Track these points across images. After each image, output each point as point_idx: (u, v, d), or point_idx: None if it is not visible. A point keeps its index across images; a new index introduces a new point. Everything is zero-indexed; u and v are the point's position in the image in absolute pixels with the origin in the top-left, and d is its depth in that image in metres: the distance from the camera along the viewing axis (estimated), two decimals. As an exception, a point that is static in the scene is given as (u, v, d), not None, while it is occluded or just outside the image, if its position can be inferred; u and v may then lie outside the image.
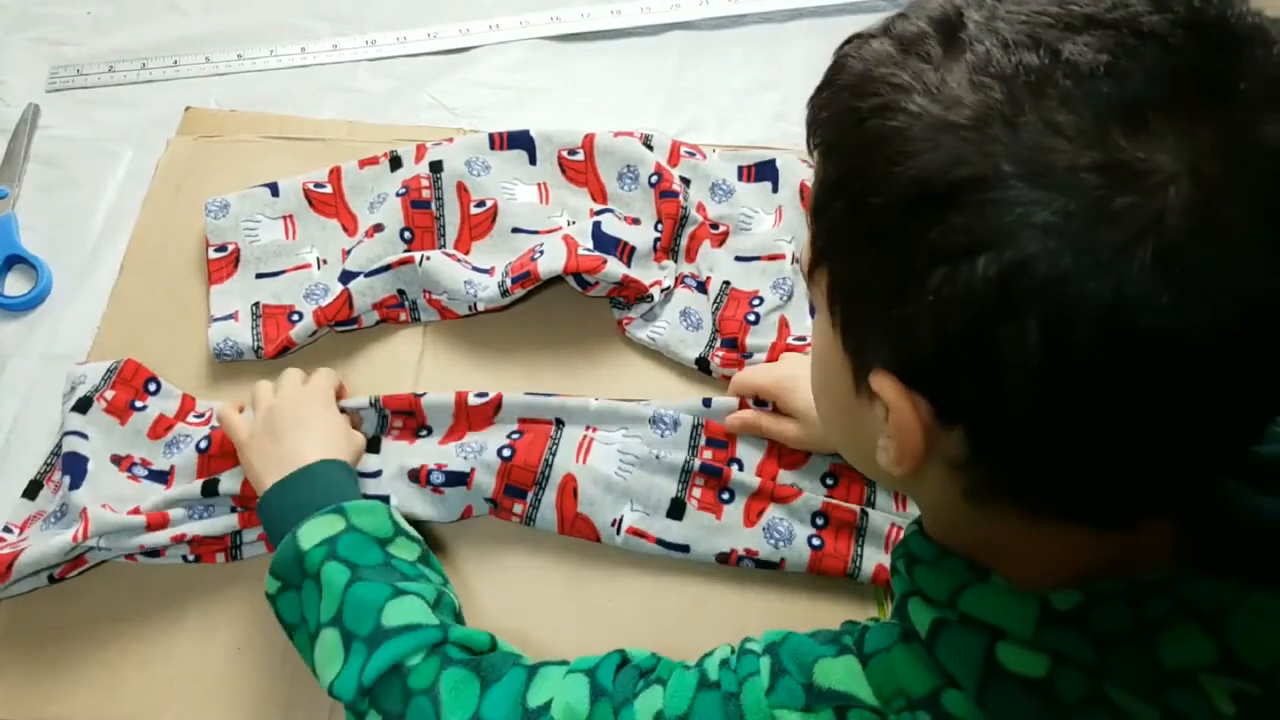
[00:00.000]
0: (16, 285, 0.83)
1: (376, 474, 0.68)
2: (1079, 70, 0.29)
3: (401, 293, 0.78)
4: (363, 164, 0.85)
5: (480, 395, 0.71)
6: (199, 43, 0.99)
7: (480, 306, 0.76)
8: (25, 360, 0.78)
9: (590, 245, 0.76)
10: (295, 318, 0.77)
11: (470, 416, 0.71)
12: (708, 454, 0.70)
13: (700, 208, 0.83)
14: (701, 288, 0.80)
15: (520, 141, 0.85)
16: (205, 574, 0.67)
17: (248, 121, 0.91)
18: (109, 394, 0.71)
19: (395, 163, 0.85)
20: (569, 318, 0.79)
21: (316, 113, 0.93)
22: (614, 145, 0.83)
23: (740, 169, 0.86)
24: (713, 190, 0.84)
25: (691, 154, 0.86)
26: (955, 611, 0.37)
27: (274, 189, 0.83)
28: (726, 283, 0.80)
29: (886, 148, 0.32)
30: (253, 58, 0.98)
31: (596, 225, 0.78)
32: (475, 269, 0.78)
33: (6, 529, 0.67)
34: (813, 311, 0.50)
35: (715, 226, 0.83)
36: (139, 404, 0.72)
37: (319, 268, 0.81)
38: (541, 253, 0.76)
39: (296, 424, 0.65)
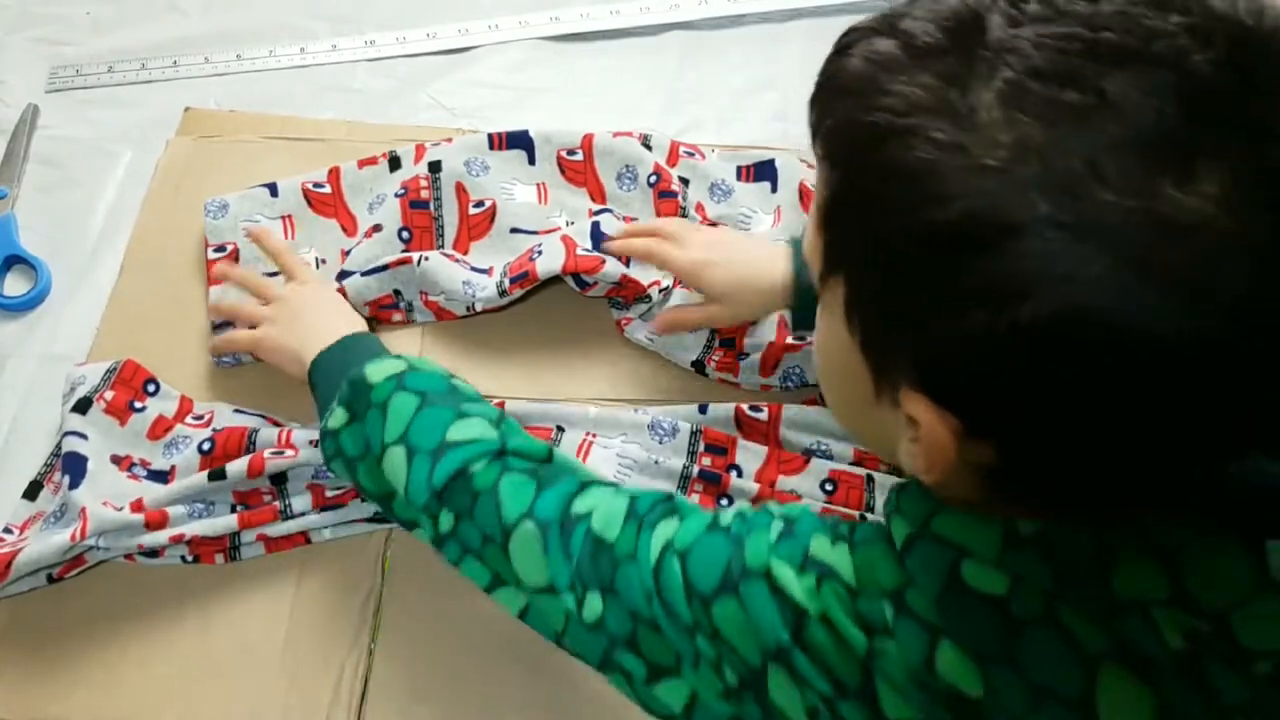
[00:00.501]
0: (16, 285, 0.83)
1: None
2: (1125, 114, 0.29)
3: (397, 293, 0.78)
4: (362, 164, 0.85)
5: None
6: (199, 43, 0.99)
7: (478, 307, 0.76)
8: (25, 360, 0.78)
9: (589, 245, 0.76)
10: None
11: None
12: (706, 460, 0.70)
13: (699, 208, 0.82)
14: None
15: (519, 141, 0.84)
16: (204, 574, 0.67)
17: (247, 122, 0.91)
18: (108, 394, 0.71)
19: (394, 163, 0.85)
20: (567, 318, 0.79)
21: (316, 113, 0.93)
22: (613, 145, 0.83)
23: (739, 169, 0.86)
24: (711, 190, 0.84)
25: (691, 154, 0.86)
26: (928, 532, 0.39)
27: (273, 189, 0.83)
28: None
29: (912, 182, 0.31)
30: (252, 58, 0.98)
31: (595, 225, 0.78)
32: (474, 269, 0.78)
33: (6, 530, 0.67)
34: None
35: (714, 226, 0.83)
36: (138, 405, 0.72)
37: (318, 267, 0.81)
38: (540, 253, 0.76)
39: (320, 304, 0.71)
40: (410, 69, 0.98)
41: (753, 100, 0.95)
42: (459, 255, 0.80)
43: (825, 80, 0.36)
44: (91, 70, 0.97)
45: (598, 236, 0.77)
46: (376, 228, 0.80)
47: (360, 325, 0.69)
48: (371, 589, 0.66)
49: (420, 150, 0.85)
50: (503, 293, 0.74)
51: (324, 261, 0.81)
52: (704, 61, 1.00)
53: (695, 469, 0.69)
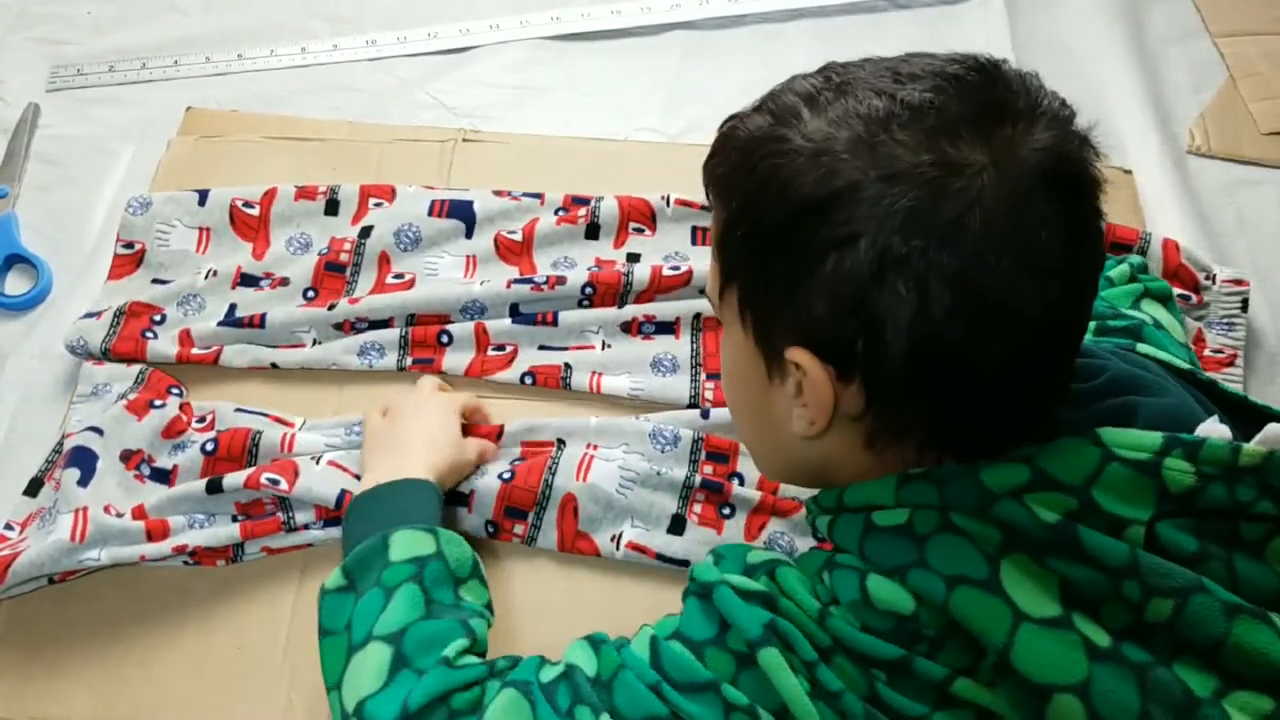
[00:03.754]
0: (16, 285, 0.83)
1: None
2: (912, 106, 0.41)
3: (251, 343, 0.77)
4: (299, 195, 0.83)
5: (484, 423, 0.72)
6: (199, 43, 0.99)
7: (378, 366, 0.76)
8: (25, 359, 0.78)
9: (509, 321, 0.76)
10: (157, 319, 0.77)
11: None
12: (708, 468, 0.70)
13: (655, 270, 0.78)
14: (668, 329, 0.78)
15: (461, 212, 0.82)
16: (205, 574, 0.67)
17: (248, 122, 0.91)
18: (133, 396, 0.72)
19: (332, 206, 0.83)
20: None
21: (317, 113, 0.93)
22: (555, 234, 0.82)
23: (694, 230, 0.83)
24: (665, 259, 0.82)
25: (640, 229, 0.84)
26: (843, 506, 0.48)
27: (203, 198, 0.82)
28: (698, 315, 0.78)
29: (778, 177, 0.42)
30: (253, 58, 0.98)
31: (514, 308, 0.77)
32: (371, 324, 0.77)
33: (8, 527, 0.67)
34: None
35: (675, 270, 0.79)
36: (158, 403, 0.72)
37: (208, 278, 0.79)
38: (450, 340, 0.76)
39: (411, 430, 0.66)
40: (411, 68, 0.98)
41: (753, 100, 0.95)
42: (353, 320, 0.77)
43: (714, 149, 0.48)
44: (92, 69, 0.97)
45: (517, 316, 0.77)
46: (284, 280, 0.79)
47: (433, 465, 0.64)
48: (372, 589, 0.66)
49: (364, 194, 0.83)
50: (402, 368, 0.75)
51: (215, 273, 0.79)
52: (704, 61, 1.00)
53: (697, 479, 0.68)
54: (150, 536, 0.64)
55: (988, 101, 0.41)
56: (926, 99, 0.41)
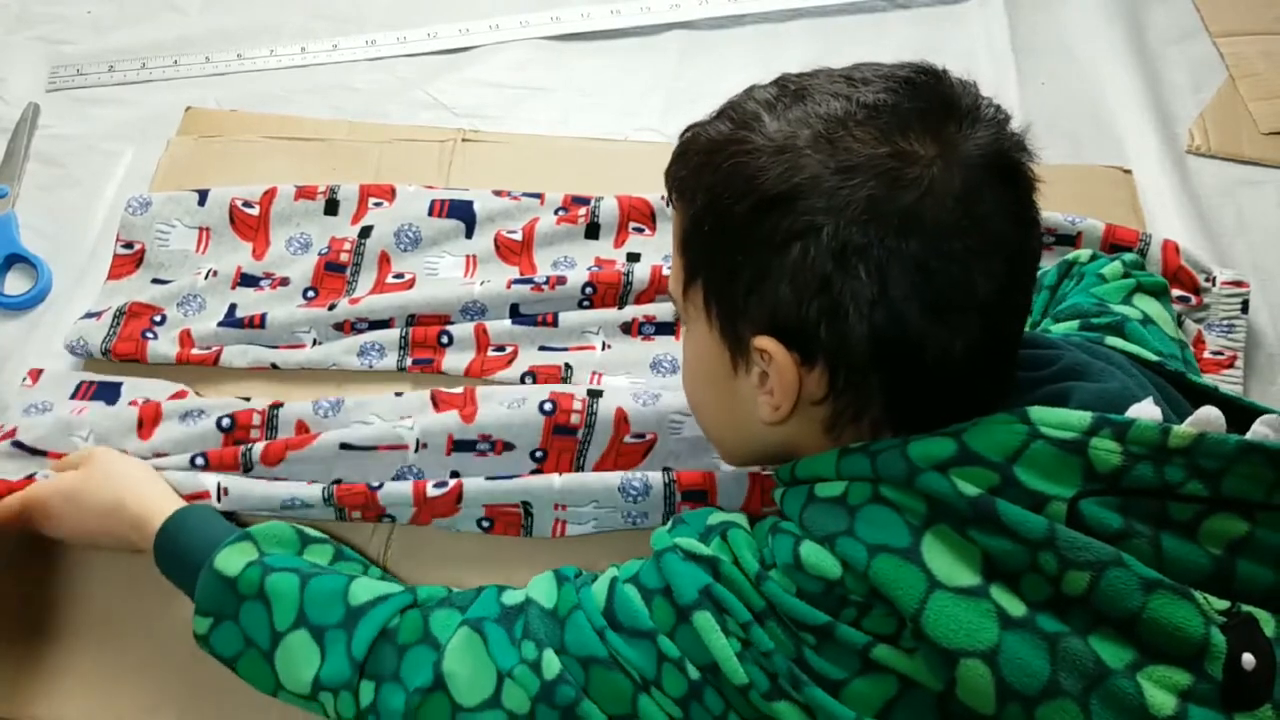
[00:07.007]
0: (16, 284, 0.83)
1: None
2: (868, 105, 0.45)
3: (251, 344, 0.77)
4: (299, 194, 0.83)
5: (439, 485, 0.65)
6: (199, 43, 1.00)
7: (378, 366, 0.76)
8: (25, 359, 0.78)
9: (509, 322, 0.77)
10: (158, 320, 0.77)
11: (431, 508, 0.66)
12: (686, 508, 0.65)
13: (655, 269, 0.79)
14: (668, 329, 0.78)
15: (461, 212, 0.83)
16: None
17: (248, 121, 0.91)
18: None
19: (332, 206, 0.83)
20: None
21: (317, 112, 0.93)
22: (555, 234, 0.82)
23: None
24: (665, 259, 0.82)
25: (640, 229, 0.84)
26: (795, 479, 0.51)
27: (202, 198, 0.82)
28: None
29: (742, 174, 0.46)
30: (253, 58, 0.99)
31: (514, 309, 0.77)
32: (372, 324, 0.77)
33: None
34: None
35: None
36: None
37: (206, 278, 0.79)
38: (450, 341, 0.76)
39: (125, 480, 0.63)
40: (410, 68, 0.98)
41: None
42: (353, 321, 0.77)
43: (679, 152, 0.51)
44: (92, 69, 0.97)
45: (518, 317, 0.77)
46: (284, 280, 0.79)
47: (172, 496, 0.63)
48: (371, 589, 0.66)
49: (364, 194, 0.83)
50: (402, 369, 0.75)
51: (215, 273, 0.79)
52: (704, 61, 1.00)
53: None
54: (140, 425, 0.69)
55: (935, 100, 0.45)
56: (881, 99, 0.45)
